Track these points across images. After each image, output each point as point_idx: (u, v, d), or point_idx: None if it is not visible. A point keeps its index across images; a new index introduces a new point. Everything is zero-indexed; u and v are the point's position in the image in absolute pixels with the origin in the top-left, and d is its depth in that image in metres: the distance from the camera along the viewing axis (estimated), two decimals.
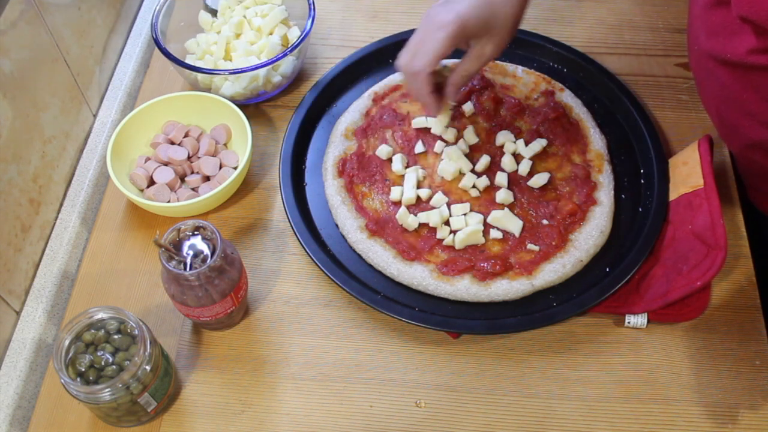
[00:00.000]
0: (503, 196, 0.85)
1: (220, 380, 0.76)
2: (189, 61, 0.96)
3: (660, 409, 0.74)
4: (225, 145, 0.92)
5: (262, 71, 0.91)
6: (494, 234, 0.83)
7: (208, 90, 0.94)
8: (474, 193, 0.86)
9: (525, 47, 1.00)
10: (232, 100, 0.92)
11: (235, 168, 0.88)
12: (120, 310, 0.69)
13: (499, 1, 0.77)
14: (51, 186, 0.85)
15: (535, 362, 0.77)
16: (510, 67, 0.98)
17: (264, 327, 0.80)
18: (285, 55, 0.90)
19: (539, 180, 0.87)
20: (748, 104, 0.73)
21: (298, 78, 0.99)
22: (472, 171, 0.88)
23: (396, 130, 0.92)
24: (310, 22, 0.93)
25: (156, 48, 1.03)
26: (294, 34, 0.97)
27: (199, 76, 0.92)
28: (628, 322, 0.79)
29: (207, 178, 0.88)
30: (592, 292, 0.79)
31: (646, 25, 1.05)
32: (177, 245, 0.70)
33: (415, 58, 0.77)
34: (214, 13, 1.00)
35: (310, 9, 0.94)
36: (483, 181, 0.86)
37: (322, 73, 0.98)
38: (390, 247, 0.82)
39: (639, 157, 0.90)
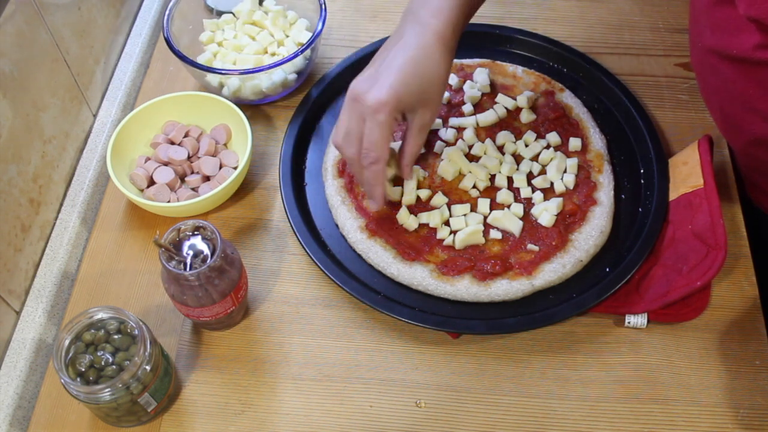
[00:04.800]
0: (503, 196, 0.85)
1: (220, 380, 0.77)
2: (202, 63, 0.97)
3: (660, 409, 0.74)
4: (225, 145, 0.92)
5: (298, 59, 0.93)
6: (494, 234, 0.83)
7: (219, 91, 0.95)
8: (474, 193, 0.86)
9: (525, 47, 1.00)
10: (257, 100, 0.94)
11: (235, 168, 0.88)
12: (120, 310, 0.69)
13: (427, 68, 0.74)
14: (51, 186, 0.85)
15: (535, 362, 0.77)
16: (510, 67, 0.97)
17: (264, 327, 0.80)
18: (310, 45, 0.92)
19: (540, 181, 0.87)
20: (753, 100, 0.73)
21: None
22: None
23: (396, 130, 0.92)
24: (322, 19, 0.94)
25: (154, 48, 1.04)
26: (303, 34, 0.98)
27: (209, 76, 0.93)
28: (628, 322, 0.79)
29: (207, 178, 0.88)
30: (592, 292, 0.79)
31: (646, 25, 1.05)
32: (177, 245, 0.70)
33: (368, 152, 0.74)
34: (214, 12, 1.00)
35: (321, 9, 0.95)
36: (484, 182, 0.86)
37: (323, 73, 0.98)
38: (390, 247, 0.82)
39: (639, 157, 0.90)
